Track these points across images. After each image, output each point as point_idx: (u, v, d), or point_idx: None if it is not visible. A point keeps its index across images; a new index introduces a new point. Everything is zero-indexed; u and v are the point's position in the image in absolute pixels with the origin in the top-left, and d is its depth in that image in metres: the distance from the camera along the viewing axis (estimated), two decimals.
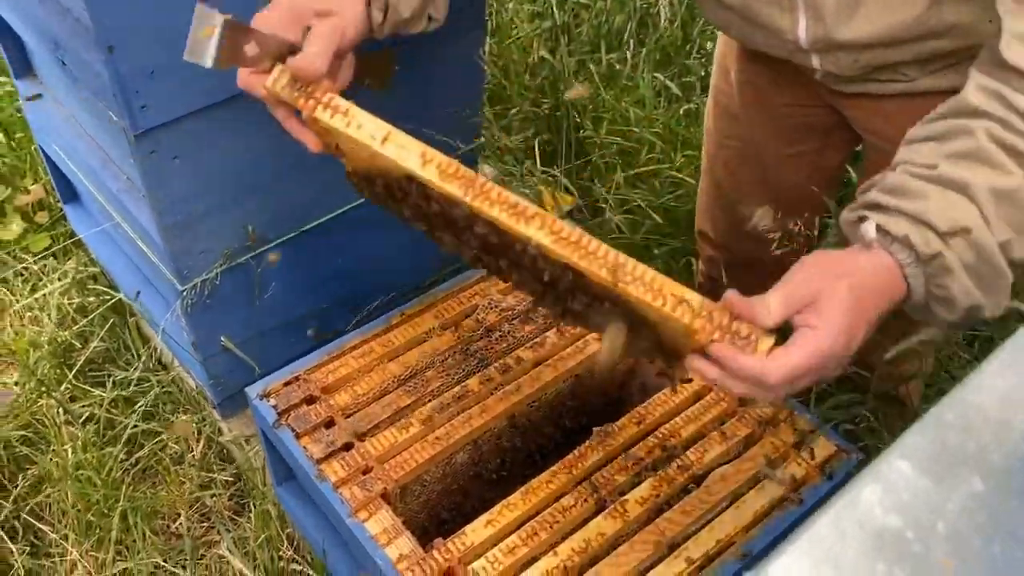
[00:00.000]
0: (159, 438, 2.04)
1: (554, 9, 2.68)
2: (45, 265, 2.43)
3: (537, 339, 1.58)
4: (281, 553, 1.84)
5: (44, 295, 2.32)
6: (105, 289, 2.24)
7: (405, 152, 1.11)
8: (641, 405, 1.49)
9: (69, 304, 2.32)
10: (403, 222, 1.26)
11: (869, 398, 1.48)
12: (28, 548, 1.92)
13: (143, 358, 2.11)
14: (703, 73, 2.79)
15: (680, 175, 2.42)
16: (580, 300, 1.12)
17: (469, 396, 1.49)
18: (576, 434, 1.64)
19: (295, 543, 1.85)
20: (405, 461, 1.41)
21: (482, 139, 2.00)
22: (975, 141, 1.01)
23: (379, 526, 1.33)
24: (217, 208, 1.61)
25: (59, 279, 2.36)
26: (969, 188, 0.99)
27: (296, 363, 1.53)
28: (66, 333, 2.24)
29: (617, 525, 1.32)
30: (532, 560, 1.30)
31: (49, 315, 2.29)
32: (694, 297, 1.02)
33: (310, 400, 1.49)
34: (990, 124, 1.01)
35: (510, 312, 1.62)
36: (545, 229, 1.06)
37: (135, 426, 2.03)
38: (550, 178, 2.28)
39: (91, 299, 2.30)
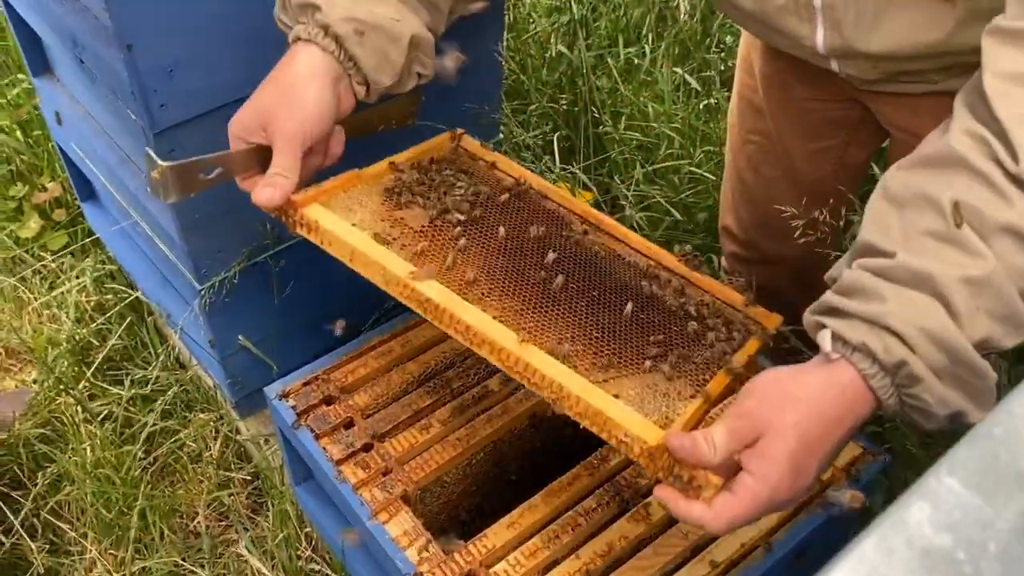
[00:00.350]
0: (176, 437, 2.04)
1: (572, 3, 2.65)
2: (63, 263, 2.43)
3: None
4: (299, 552, 1.84)
5: (62, 293, 2.33)
6: (122, 287, 2.24)
7: (369, 269, 1.21)
8: None
9: (87, 302, 2.32)
10: None
11: None
12: (47, 546, 1.93)
13: (161, 357, 2.11)
14: (722, 68, 2.77)
15: (699, 171, 2.40)
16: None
17: (490, 396, 1.48)
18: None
19: (313, 542, 1.85)
20: (425, 463, 1.40)
21: (501, 135, 1.99)
22: (943, 221, 0.90)
23: (400, 528, 1.32)
24: (235, 207, 1.59)
25: (77, 277, 2.36)
26: (934, 281, 0.88)
27: (315, 363, 1.52)
28: (84, 331, 2.25)
29: (640, 528, 1.31)
30: (554, 563, 1.28)
31: (67, 313, 2.29)
32: (636, 437, 1.02)
33: (329, 400, 1.48)
34: (967, 183, 0.91)
35: None
36: (494, 357, 1.13)
37: (153, 425, 2.03)
38: (569, 175, 2.26)
39: (108, 297, 2.30)
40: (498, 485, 1.55)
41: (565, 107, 2.50)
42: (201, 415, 2.08)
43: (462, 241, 1.26)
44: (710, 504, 0.94)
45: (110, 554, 1.91)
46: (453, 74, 1.36)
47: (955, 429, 0.90)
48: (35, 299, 2.37)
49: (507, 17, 2.74)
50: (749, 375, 1.15)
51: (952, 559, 0.43)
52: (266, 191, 1.21)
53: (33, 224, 2.51)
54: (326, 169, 1.31)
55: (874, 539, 0.43)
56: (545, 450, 1.58)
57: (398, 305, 1.23)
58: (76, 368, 2.19)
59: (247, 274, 1.70)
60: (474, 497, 1.53)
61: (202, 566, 1.89)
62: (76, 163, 2.08)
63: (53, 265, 2.43)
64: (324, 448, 1.41)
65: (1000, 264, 0.88)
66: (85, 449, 2.00)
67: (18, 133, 2.68)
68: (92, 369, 2.14)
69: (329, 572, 1.80)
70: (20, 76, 2.76)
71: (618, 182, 2.35)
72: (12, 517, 1.92)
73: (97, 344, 2.23)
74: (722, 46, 2.88)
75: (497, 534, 1.31)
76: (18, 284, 2.40)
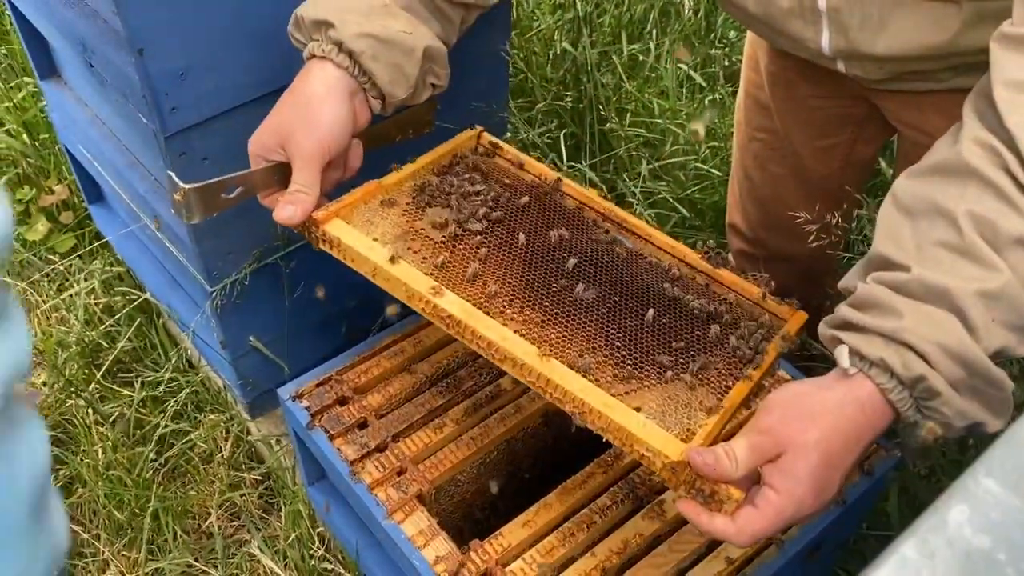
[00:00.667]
0: (188, 438, 2.04)
1: (576, 0, 2.65)
2: (71, 265, 2.43)
3: None
4: (312, 552, 1.84)
5: (71, 295, 2.33)
6: (131, 289, 2.24)
7: (392, 284, 1.23)
8: None
9: (96, 304, 2.33)
10: None
11: None
12: None
13: (173, 360, 2.11)
14: (726, 63, 2.77)
15: (705, 167, 2.40)
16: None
17: (502, 395, 1.48)
18: None
19: (326, 542, 1.85)
20: (440, 462, 1.40)
21: (508, 134, 1.99)
22: (957, 233, 0.91)
23: (415, 527, 1.33)
24: (246, 208, 1.59)
25: (85, 279, 2.36)
26: (950, 296, 0.89)
27: (328, 364, 1.53)
28: (93, 333, 2.25)
29: (655, 525, 1.31)
30: (570, 561, 1.29)
31: (76, 315, 2.30)
32: (657, 446, 1.03)
33: (343, 401, 1.48)
34: (978, 194, 0.91)
35: None
36: (515, 371, 1.15)
37: (164, 426, 2.04)
38: (576, 172, 2.26)
39: (117, 299, 2.30)
40: (512, 483, 1.55)
41: (570, 104, 2.50)
42: (212, 416, 2.08)
43: (483, 251, 1.27)
44: (733, 518, 0.96)
45: (123, 555, 1.91)
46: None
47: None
48: (44, 302, 2.37)
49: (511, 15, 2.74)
50: (769, 382, 1.16)
51: (993, 560, 0.43)
52: (287, 209, 1.23)
53: (41, 227, 2.52)
54: (346, 182, 1.32)
55: (914, 542, 0.44)
56: (558, 448, 1.58)
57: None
58: (86, 370, 2.19)
59: (258, 275, 1.70)
60: (488, 495, 1.54)
61: (215, 566, 1.89)
62: (84, 166, 2.09)
63: (61, 268, 2.44)
64: (339, 448, 1.41)
65: (1014, 276, 0.89)
66: (97, 451, 2.01)
67: (25, 136, 2.68)
68: (102, 371, 2.15)
69: (343, 571, 1.80)
70: (27, 79, 2.76)
71: (625, 179, 2.35)
72: None
73: (107, 346, 2.23)
74: (725, 41, 2.88)
75: (512, 532, 1.31)
76: (27, 287, 2.40)
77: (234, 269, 1.66)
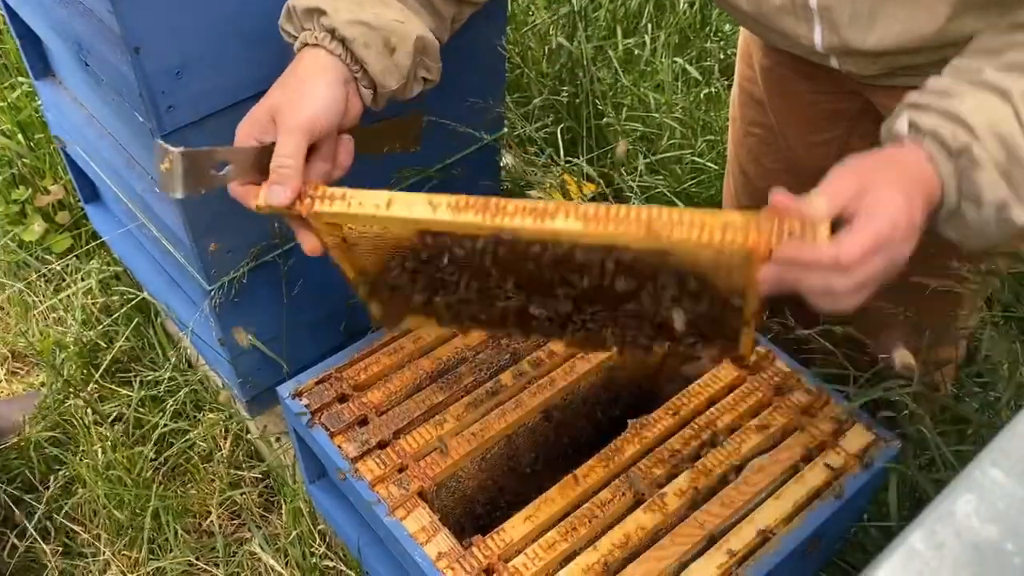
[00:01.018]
0: (187, 437, 2.04)
1: None
2: (68, 265, 2.43)
3: None
4: (313, 549, 1.84)
5: (68, 296, 2.33)
6: (129, 289, 2.24)
7: (412, 206, 1.10)
8: (676, 396, 1.48)
9: (93, 304, 2.32)
10: (423, 316, 1.26)
11: (906, 385, 1.46)
12: (61, 549, 1.93)
13: (172, 359, 2.11)
14: (722, 56, 2.77)
15: (702, 160, 2.40)
16: (626, 287, 1.08)
17: (502, 391, 1.48)
18: (608, 423, 1.63)
19: (327, 539, 1.85)
20: (440, 458, 1.40)
21: (505, 129, 1.99)
22: None
23: (417, 524, 1.33)
24: (244, 206, 1.59)
25: (82, 279, 2.36)
26: (1009, 94, 0.99)
27: (327, 361, 1.53)
28: (91, 333, 2.25)
29: (657, 518, 1.32)
30: (572, 555, 1.29)
31: (74, 315, 2.29)
32: (735, 216, 0.97)
33: (343, 398, 1.48)
34: None
35: None
36: (571, 217, 1.03)
37: (164, 425, 2.03)
38: (573, 167, 2.26)
39: (115, 299, 2.30)
40: (512, 478, 1.55)
41: (566, 99, 2.50)
42: (211, 415, 2.08)
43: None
44: (833, 242, 0.94)
45: (124, 555, 1.91)
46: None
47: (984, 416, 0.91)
48: (41, 302, 2.37)
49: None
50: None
51: (1001, 551, 0.43)
52: (275, 188, 1.15)
53: (37, 227, 2.51)
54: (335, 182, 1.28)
55: (922, 533, 0.44)
56: (558, 442, 1.59)
57: None
58: (84, 370, 2.19)
59: (256, 273, 1.70)
60: (488, 491, 1.54)
61: (216, 565, 1.89)
62: (79, 165, 2.08)
63: (58, 268, 2.43)
64: (339, 446, 1.41)
65: None
66: (96, 451, 2.01)
67: (20, 136, 2.67)
68: (100, 371, 2.14)
69: (344, 568, 1.80)
70: (21, 79, 2.76)
71: (622, 173, 2.35)
72: (25, 520, 1.93)
73: (104, 346, 2.23)
74: (720, 35, 2.88)
75: (514, 528, 1.31)
76: (24, 288, 2.40)
77: (232, 267, 1.66)
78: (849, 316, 1.05)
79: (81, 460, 2.00)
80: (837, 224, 0.96)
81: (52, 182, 2.60)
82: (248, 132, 1.20)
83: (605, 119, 2.46)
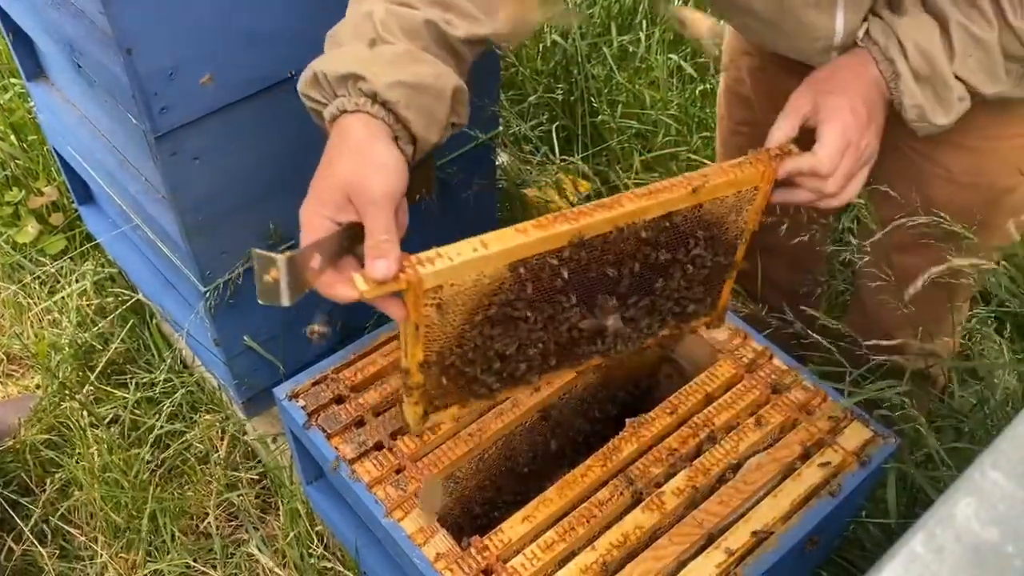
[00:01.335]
0: (183, 438, 2.04)
1: None
2: (62, 267, 2.42)
3: None
4: (311, 550, 1.84)
5: (62, 297, 2.32)
6: (123, 290, 2.23)
7: (504, 238, 1.15)
8: (673, 395, 1.47)
9: (88, 306, 2.32)
10: (469, 398, 1.31)
11: (902, 382, 1.46)
12: (58, 551, 1.93)
13: (168, 361, 2.10)
14: (717, 52, 2.76)
15: (697, 157, 2.40)
16: (666, 258, 1.28)
17: None
18: (604, 422, 1.63)
19: (325, 540, 1.85)
20: (438, 459, 1.40)
21: (500, 127, 1.98)
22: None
23: (415, 525, 1.32)
24: (239, 207, 1.59)
25: (76, 281, 2.35)
26: (945, 17, 1.18)
27: (323, 362, 1.52)
28: (86, 335, 2.24)
29: (655, 518, 1.31)
30: (570, 555, 1.29)
31: (68, 317, 2.29)
32: (737, 160, 1.25)
33: (339, 399, 1.47)
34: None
35: None
36: (636, 198, 1.21)
37: (160, 427, 2.03)
38: (568, 165, 2.25)
39: (109, 300, 2.29)
40: (510, 478, 1.55)
41: (561, 96, 2.49)
42: (207, 416, 2.08)
43: None
44: (810, 153, 1.21)
45: (121, 557, 1.91)
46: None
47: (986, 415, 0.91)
48: (35, 304, 2.36)
49: None
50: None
51: (1001, 553, 0.43)
52: (379, 263, 1.08)
53: (31, 229, 2.50)
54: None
55: (922, 536, 0.43)
56: (556, 442, 1.58)
57: None
58: (80, 372, 2.18)
59: (251, 274, 1.69)
60: (486, 491, 1.53)
61: (214, 567, 1.89)
62: (73, 167, 2.07)
63: (52, 270, 2.42)
64: (337, 447, 1.41)
65: (999, 40, 1.18)
66: (92, 453, 2.00)
67: (12, 137, 2.66)
68: (96, 373, 2.14)
69: (342, 569, 1.80)
70: (13, 80, 2.75)
71: (617, 171, 2.35)
72: (22, 524, 1.92)
73: (100, 348, 2.23)
74: None
75: (513, 528, 1.31)
76: (18, 290, 2.39)
77: (227, 269, 1.65)
78: (844, 310, 1.07)
79: (77, 463, 2.00)
80: (807, 133, 1.23)
81: (46, 184, 2.60)
82: (318, 213, 1.11)
83: (600, 116, 2.45)
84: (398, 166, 1.13)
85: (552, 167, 2.24)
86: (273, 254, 1.03)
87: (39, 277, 2.43)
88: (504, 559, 1.28)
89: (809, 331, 1.53)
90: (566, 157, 2.32)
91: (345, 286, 1.10)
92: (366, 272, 1.09)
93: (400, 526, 1.32)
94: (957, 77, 1.21)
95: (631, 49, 2.74)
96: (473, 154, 1.91)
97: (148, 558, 1.89)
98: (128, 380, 2.14)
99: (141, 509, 1.91)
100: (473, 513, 1.54)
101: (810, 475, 1.37)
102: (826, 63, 1.33)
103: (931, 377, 1.70)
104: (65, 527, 1.94)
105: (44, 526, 1.96)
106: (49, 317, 2.35)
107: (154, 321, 2.23)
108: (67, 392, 2.12)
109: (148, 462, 2.01)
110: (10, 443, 2.05)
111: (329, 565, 1.82)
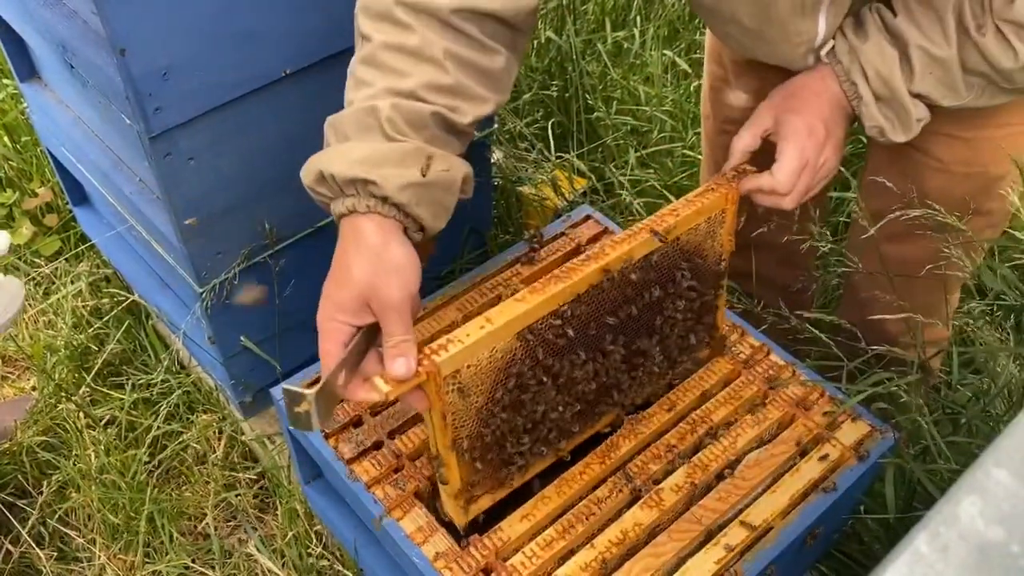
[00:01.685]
0: (181, 439, 2.03)
1: None
2: (57, 268, 2.41)
3: None
4: (310, 550, 1.84)
5: (58, 299, 2.31)
6: (119, 291, 2.22)
7: (507, 311, 1.20)
8: (671, 391, 1.47)
9: (83, 307, 2.31)
10: (501, 478, 1.34)
11: (899, 374, 1.46)
12: (56, 554, 1.92)
13: (165, 362, 2.10)
14: None
15: (692, 153, 2.40)
16: (658, 295, 1.35)
17: None
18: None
19: (324, 540, 1.85)
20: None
21: (495, 125, 1.98)
22: (940, 21, 1.20)
23: (414, 524, 1.32)
24: (234, 207, 1.59)
25: (72, 282, 2.34)
26: (905, 41, 1.22)
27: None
28: (82, 336, 2.23)
29: (653, 515, 1.31)
30: (570, 553, 1.29)
31: (64, 319, 2.28)
32: (703, 188, 1.34)
33: None
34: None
35: None
36: (616, 246, 1.27)
37: (157, 428, 2.02)
38: (564, 162, 2.25)
39: (105, 301, 2.29)
40: None
41: (556, 93, 2.49)
42: (204, 416, 2.07)
43: None
44: (768, 174, 1.29)
45: (119, 559, 1.90)
46: None
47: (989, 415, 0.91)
48: (31, 306, 2.35)
49: None
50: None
51: (1007, 552, 0.43)
52: (399, 362, 1.11)
53: (25, 230, 2.50)
54: None
55: (926, 535, 0.43)
56: None
57: None
58: (76, 374, 2.18)
59: (247, 274, 1.69)
60: None
61: (213, 568, 1.89)
62: (67, 168, 2.07)
63: (47, 271, 2.42)
64: (335, 447, 1.40)
65: (957, 57, 1.20)
66: (89, 455, 2.00)
67: (6, 139, 2.65)
68: (92, 374, 2.13)
69: (341, 568, 1.80)
70: (6, 81, 2.74)
71: (612, 168, 2.35)
72: (19, 526, 1.92)
73: (96, 349, 2.22)
74: None
75: (512, 526, 1.31)
76: None
77: (223, 269, 1.65)
78: (839, 302, 1.08)
79: (74, 464, 1.99)
80: (769, 147, 1.31)
81: (40, 185, 2.59)
82: (336, 319, 1.14)
83: (595, 113, 2.45)
84: (413, 264, 1.14)
85: (547, 164, 2.24)
86: (303, 390, 1.06)
87: (34, 278, 2.42)
88: (503, 557, 1.28)
89: (807, 324, 1.53)
90: (561, 154, 2.32)
91: (368, 390, 1.13)
92: (387, 373, 1.11)
93: (399, 525, 1.32)
94: (917, 94, 1.25)
95: (625, 45, 2.74)
96: (468, 152, 1.90)
97: (146, 559, 1.89)
98: (125, 381, 2.14)
99: (139, 510, 1.91)
100: None
101: (808, 470, 1.37)
102: (803, 68, 1.33)
103: (928, 368, 1.70)
104: (63, 529, 1.94)
105: (41, 528, 1.95)
106: (45, 319, 2.34)
107: (150, 322, 2.22)
108: (63, 394, 2.11)
109: (145, 463, 2.01)
110: (6, 445, 2.04)
111: (328, 564, 1.82)
